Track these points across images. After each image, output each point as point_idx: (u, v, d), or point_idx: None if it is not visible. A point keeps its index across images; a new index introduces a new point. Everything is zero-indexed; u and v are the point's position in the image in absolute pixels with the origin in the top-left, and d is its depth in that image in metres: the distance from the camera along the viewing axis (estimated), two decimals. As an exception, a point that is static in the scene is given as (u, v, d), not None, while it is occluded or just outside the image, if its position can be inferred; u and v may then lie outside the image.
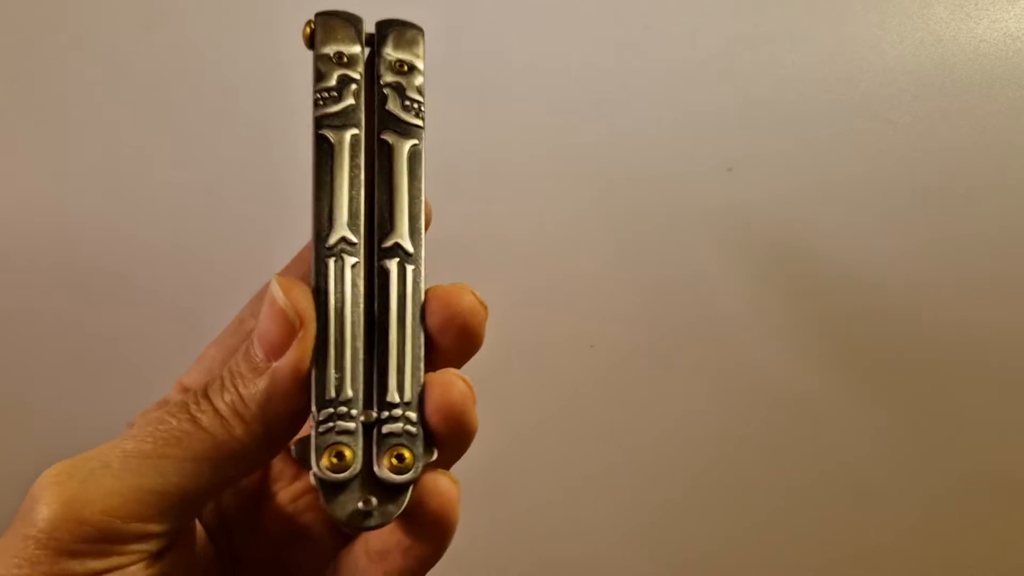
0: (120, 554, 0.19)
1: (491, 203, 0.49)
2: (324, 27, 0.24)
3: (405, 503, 0.21)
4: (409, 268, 0.22)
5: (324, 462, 0.20)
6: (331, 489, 0.20)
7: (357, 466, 0.20)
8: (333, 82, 0.23)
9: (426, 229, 0.23)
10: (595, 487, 0.49)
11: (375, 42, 0.24)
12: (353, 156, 0.23)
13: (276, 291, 0.20)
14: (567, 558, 0.50)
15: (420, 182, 0.23)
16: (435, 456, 0.21)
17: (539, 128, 0.50)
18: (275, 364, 0.20)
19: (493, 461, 0.48)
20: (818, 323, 0.50)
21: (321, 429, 0.20)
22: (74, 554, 0.18)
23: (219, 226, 0.49)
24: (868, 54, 0.50)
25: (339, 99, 0.23)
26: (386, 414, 0.21)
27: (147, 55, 0.49)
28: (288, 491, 0.25)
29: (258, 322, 0.20)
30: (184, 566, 0.20)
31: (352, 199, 0.22)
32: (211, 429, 0.20)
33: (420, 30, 0.25)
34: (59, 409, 0.49)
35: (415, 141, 0.24)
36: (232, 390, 0.20)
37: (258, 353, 0.20)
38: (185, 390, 0.25)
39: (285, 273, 0.25)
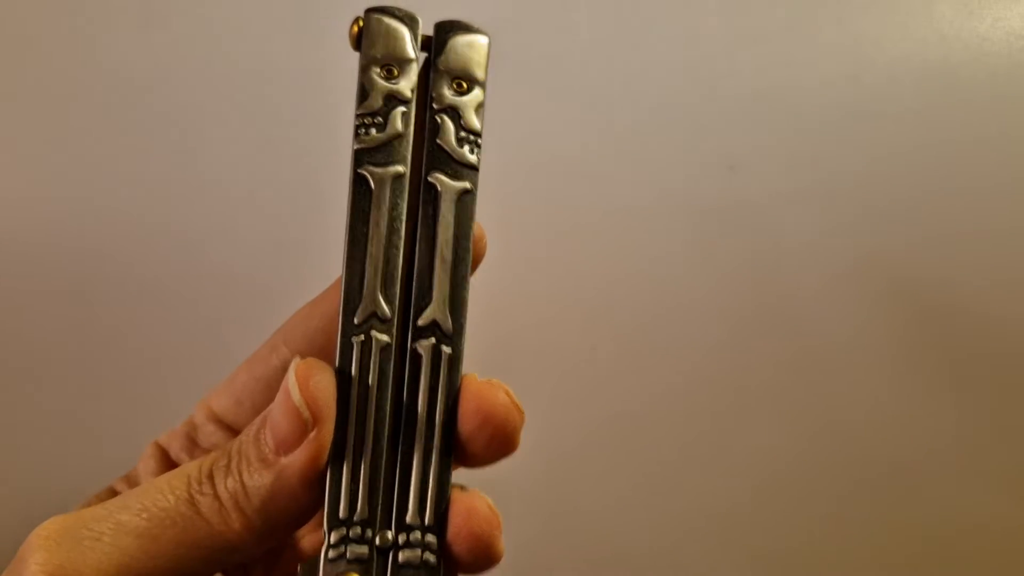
0: None
1: (491, 202, 0.48)
2: (374, 28, 0.20)
3: None
4: (445, 352, 0.20)
5: None
6: None
7: None
8: (379, 104, 0.20)
9: (473, 269, 0.20)
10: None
11: (431, 49, 0.21)
12: (394, 202, 0.20)
13: (292, 385, 0.18)
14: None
15: (469, 240, 0.20)
16: None
17: (539, 128, 0.50)
18: (284, 461, 0.18)
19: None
20: (818, 322, 0.50)
21: (332, 555, 0.18)
22: None
23: (219, 226, 0.49)
24: (871, 52, 0.50)
25: (384, 126, 0.20)
26: (404, 538, 0.19)
27: (147, 55, 0.49)
28: (309, 540, 0.24)
29: (271, 408, 0.19)
30: None
31: (389, 260, 0.19)
32: (209, 517, 0.18)
33: (486, 36, 0.21)
34: (60, 410, 0.49)
35: (467, 185, 0.20)
36: (236, 477, 0.18)
37: (268, 442, 0.18)
38: (214, 417, 0.24)
39: (316, 306, 0.23)
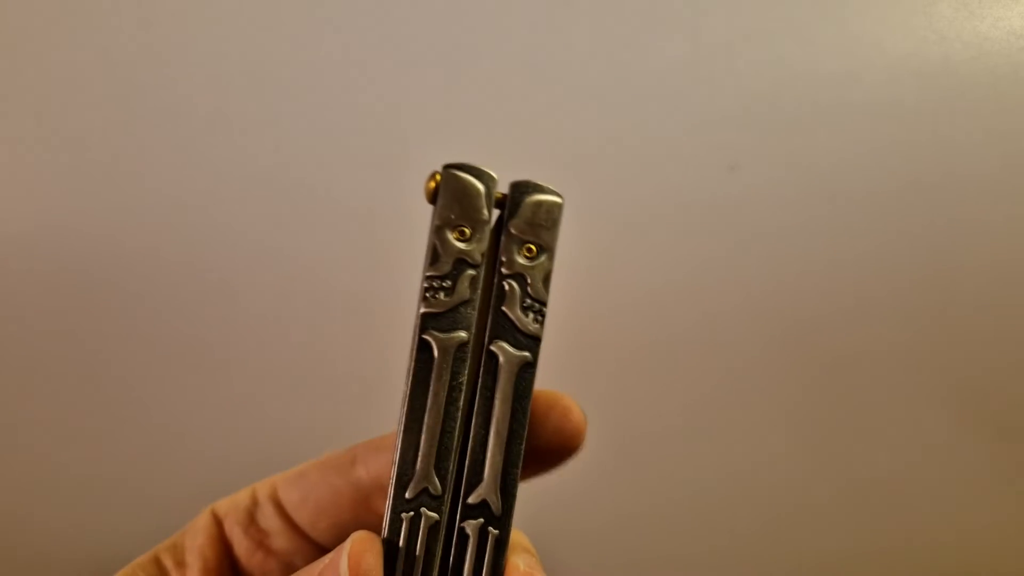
0: None
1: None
2: (451, 186, 0.19)
3: None
4: (492, 534, 0.19)
5: None
6: None
7: None
8: (449, 267, 0.19)
9: (569, 456, 0.20)
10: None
11: (505, 208, 0.20)
12: (456, 372, 0.19)
13: (343, 565, 0.18)
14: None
15: (526, 416, 0.20)
16: None
17: (539, 126, 0.50)
18: None
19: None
20: (818, 321, 0.50)
21: None
22: None
23: (219, 227, 0.49)
24: (871, 52, 0.50)
25: (452, 290, 0.19)
26: None
27: (146, 55, 0.49)
28: None
29: (320, 572, 0.19)
30: None
31: (445, 432, 0.19)
32: None
33: (561, 198, 0.20)
34: (60, 411, 0.49)
35: (528, 356, 0.20)
36: None
37: None
38: (277, 502, 0.24)
39: (372, 447, 0.23)
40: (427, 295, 0.19)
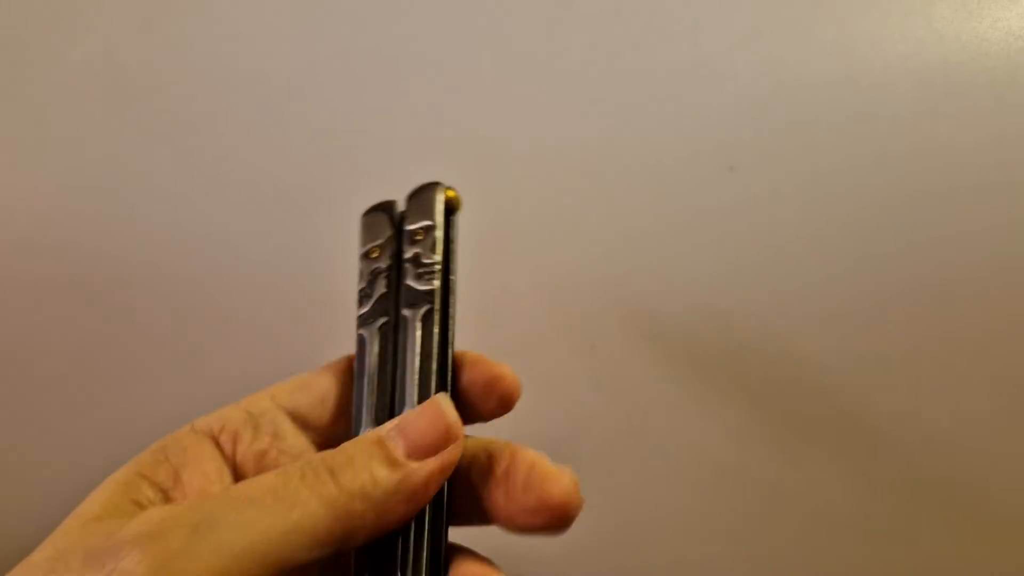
0: None
1: (487, 201, 0.48)
2: (364, 227, 0.26)
3: None
4: None
5: None
6: None
7: None
8: (366, 281, 0.25)
9: (505, 410, 0.24)
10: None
11: (402, 216, 0.26)
12: (383, 346, 0.24)
13: (447, 406, 0.22)
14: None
15: (429, 351, 0.24)
16: None
17: (539, 126, 0.50)
18: (414, 465, 0.20)
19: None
20: (816, 321, 0.50)
21: None
22: None
23: (218, 227, 0.49)
24: (869, 52, 0.50)
25: (371, 295, 0.25)
26: None
27: (146, 54, 0.49)
28: None
29: (411, 420, 0.21)
30: None
31: (380, 389, 0.24)
32: (333, 500, 0.19)
33: (439, 185, 0.26)
34: (60, 409, 0.49)
35: (427, 306, 0.24)
36: (367, 472, 0.20)
37: (399, 447, 0.21)
38: (285, 410, 0.25)
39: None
40: (358, 304, 0.25)
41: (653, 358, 0.50)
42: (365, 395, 0.24)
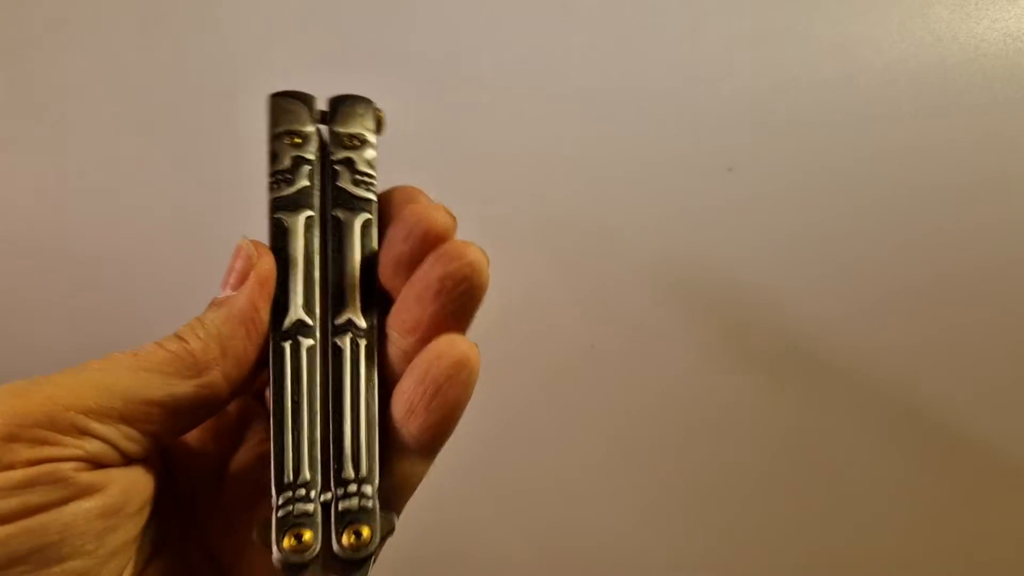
0: (53, 444, 0.19)
1: (488, 200, 0.49)
2: (276, 108, 0.25)
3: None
4: (362, 344, 0.23)
5: (285, 544, 0.21)
6: (293, 570, 0.21)
7: (317, 547, 0.21)
8: (287, 164, 0.24)
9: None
10: (599, 481, 0.49)
11: (328, 119, 0.25)
12: (308, 237, 0.24)
13: (242, 239, 0.23)
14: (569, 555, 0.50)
15: (374, 254, 0.24)
16: (395, 525, 0.22)
17: (539, 127, 0.50)
18: (231, 293, 0.22)
19: (491, 454, 0.48)
20: (817, 321, 0.50)
21: (280, 513, 0.21)
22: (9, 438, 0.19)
23: (219, 227, 0.49)
24: (868, 53, 0.50)
25: (293, 181, 0.24)
26: (342, 491, 0.22)
27: (145, 55, 0.49)
28: (254, 451, 0.25)
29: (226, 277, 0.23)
30: (124, 484, 0.21)
31: (307, 280, 0.23)
32: (170, 347, 0.22)
33: (370, 103, 0.26)
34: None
35: (367, 215, 0.24)
36: (194, 322, 0.22)
37: (220, 292, 0.23)
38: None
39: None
40: (272, 186, 0.24)
41: (653, 358, 0.50)
42: (300, 282, 0.23)
